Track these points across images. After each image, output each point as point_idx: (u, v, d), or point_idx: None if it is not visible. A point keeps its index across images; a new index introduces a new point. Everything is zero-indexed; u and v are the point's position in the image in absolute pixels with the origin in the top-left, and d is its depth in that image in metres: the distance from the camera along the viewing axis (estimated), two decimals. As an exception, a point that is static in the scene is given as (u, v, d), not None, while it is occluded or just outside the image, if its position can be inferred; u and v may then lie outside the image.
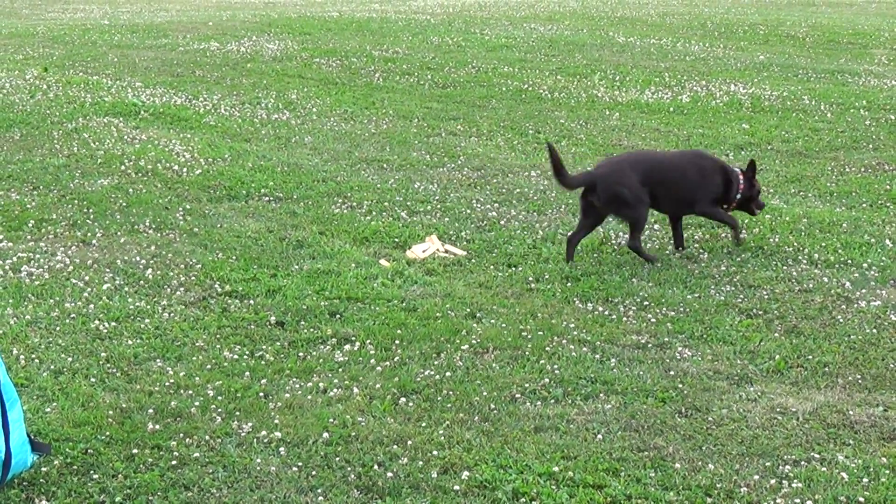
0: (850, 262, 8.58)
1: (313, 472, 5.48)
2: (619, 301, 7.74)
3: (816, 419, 6.10)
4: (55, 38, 20.97)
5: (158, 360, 6.72)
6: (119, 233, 9.11)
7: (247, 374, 6.52)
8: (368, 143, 12.31)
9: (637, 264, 8.46)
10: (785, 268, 8.42)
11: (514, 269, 8.39)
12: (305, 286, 7.92)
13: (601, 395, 6.34)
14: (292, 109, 14.11)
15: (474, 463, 5.57)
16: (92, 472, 5.42)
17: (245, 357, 6.79)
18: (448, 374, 6.57)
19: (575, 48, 18.49)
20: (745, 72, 16.81)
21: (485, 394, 6.32)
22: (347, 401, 6.21)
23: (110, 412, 6.00)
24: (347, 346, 6.95)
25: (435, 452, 5.66)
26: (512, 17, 22.21)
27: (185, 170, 11.03)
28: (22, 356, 6.74)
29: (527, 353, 6.88)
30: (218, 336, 7.11)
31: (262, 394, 6.28)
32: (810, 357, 6.87)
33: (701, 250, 8.81)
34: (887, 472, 5.55)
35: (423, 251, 8.68)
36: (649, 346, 7.03)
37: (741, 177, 8.91)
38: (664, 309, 7.60)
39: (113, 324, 7.24)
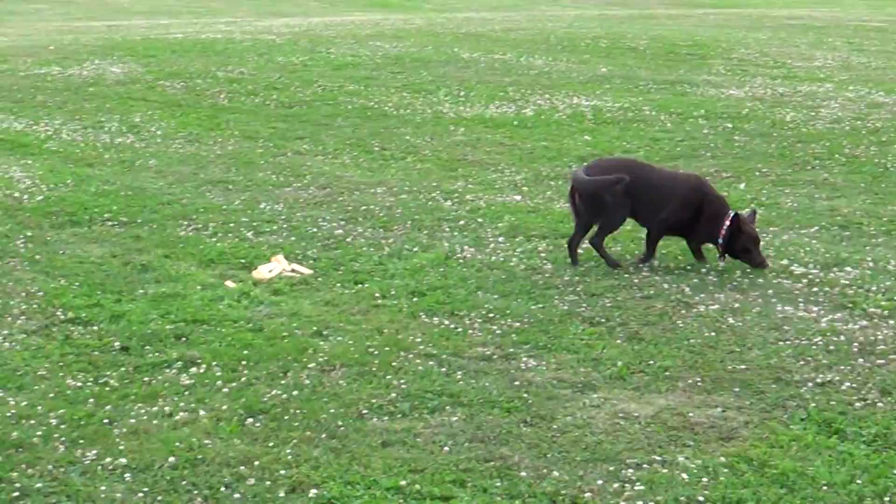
0: (689, 267, 8.78)
1: (159, 497, 5.44)
2: (464, 314, 7.82)
3: (658, 423, 6.24)
4: None
5: (-1, 391, 6.61)
6: (-43, 263, 8.92)
7: (91, 401, 6.45)
8: (214, 165, 12.22)
9: (482, 277, 8.55)
10: (627, 276, 8.59)
11: (360, 285, 8.41)
12: (150, 310, 7.85)
13: (448, 407, 6.40)
14: (136, 133, 13.93)
15: (322, 480, 5.59)
16: (-70, 507, 5.33)
17: (89, 384, 6.70)
18: (295, 392, 6.57)
19: (420, 65, 18.56)
20: (587, 84, 17.05)
21: (332, 411, 6.34)
22: (194, 424, 6.18)
23: (-51, 446, 5.89)
24: (193, 369, 6.91)
25: (282, 472, 5.67)
26: (358, 35, 22.22)
27: (25, 196, 10.83)
28: None
29: (374, 368, 6.91)
30: (61, 364, 7.00)
31: (106, 420, 6.21)
32: (652, 362, 7.02)
33: (545, 261, 8.93)
34: (726, 470, 5.72)
35: (270, 271, 8.66)
36: (495, 357, 7.12)
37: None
38: (509, 320, 7.69)
39: (-49, 356, 7.10)
